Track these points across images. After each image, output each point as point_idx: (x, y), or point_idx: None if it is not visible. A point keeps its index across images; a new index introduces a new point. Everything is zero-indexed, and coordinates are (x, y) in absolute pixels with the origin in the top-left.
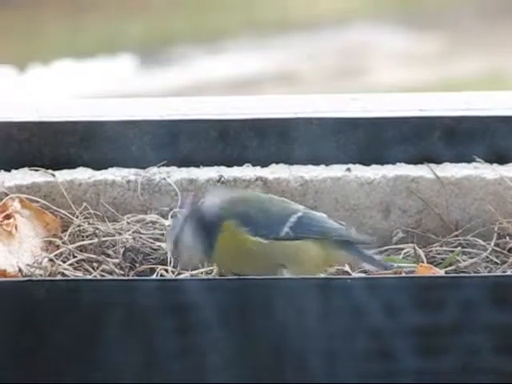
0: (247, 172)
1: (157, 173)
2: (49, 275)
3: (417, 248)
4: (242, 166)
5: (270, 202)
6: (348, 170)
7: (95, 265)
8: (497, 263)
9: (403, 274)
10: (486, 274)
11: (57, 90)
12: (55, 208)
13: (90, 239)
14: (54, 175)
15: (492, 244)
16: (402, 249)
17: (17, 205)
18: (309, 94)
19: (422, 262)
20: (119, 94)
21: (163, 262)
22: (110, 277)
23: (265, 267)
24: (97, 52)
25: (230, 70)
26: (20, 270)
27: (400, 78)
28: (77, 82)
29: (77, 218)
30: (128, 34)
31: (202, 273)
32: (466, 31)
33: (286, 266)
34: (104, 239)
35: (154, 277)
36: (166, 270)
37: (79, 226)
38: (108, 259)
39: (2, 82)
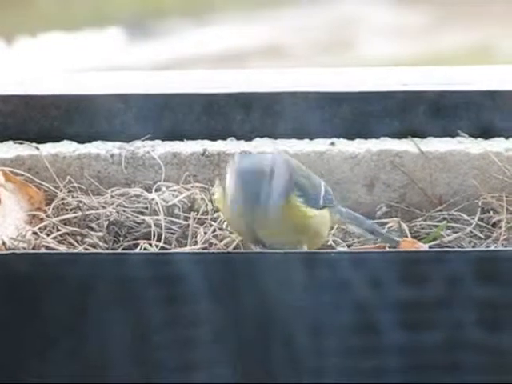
0: (231, 146)
1: (141, 146)
2: (32, 248)
3: (401, 222)
4: (226, 139)
5: (304, 167)
6: (332, 144)
7: (79, 238)
8: (481, 238)
9: (387, 249)
10: (470, 248)
11: (44, 63)
12: (39, 181)
13: (74, 212)
14: (38, 148)
15: (476, 219)
16: (387, 223)
17: (0, 178)
18: (295, 67)
19: (406, 236)
20: (107, 67)
21: (147, 236)
22: (93, 250)
23: (297, 237)
24: (85, 25)
25: (218, 43)
26: (3, 243)
27: (387, 51)
28: (64, 55)
29: (61, 191)
30: (116, 6)
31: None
32: (453, 5)
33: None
34: (88, 213)
35: (137, 250)
36: (150, 244)
37: (63, 199)
38: (92, 233)
39: None
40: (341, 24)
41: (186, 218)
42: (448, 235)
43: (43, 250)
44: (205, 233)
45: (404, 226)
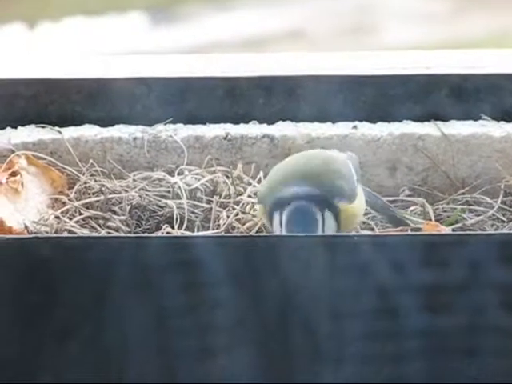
0: (254, 129)
1: (163, 130)
2: (55, 232)
3: (426, 204)
4: (248, 123)
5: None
6: (354, 127)
7: (101, 222)
8: (503, 221)
9: (409, 232)
10: (493, 231)
11: (66, 47)
12: (61, 165)
13: (97, 196)
14: (60, 132)
15: (498, 202)
16: (410, 205)
17: (23, 162)
18: (318, 51)
19: (430, 219)
20: (129, 51)
21: (169, 220)
22: (116, 234)
23: None
24: (107, 10)
25: (240, 27)
26: (26, 227)
27: (411, 37)
28: (87, 40)
29: (83, 175)
30: None
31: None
32: None
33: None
34: (110, 196)
35: (159, 234)
36: (172, 228)
37: (85, 183)
38: (114, 216)
39: (11, 39)
40: (365, 9)
41: (209, 202)
42: (470, 218)
43: (65, 234)
44: (227, 216)
45: (429, 207)
